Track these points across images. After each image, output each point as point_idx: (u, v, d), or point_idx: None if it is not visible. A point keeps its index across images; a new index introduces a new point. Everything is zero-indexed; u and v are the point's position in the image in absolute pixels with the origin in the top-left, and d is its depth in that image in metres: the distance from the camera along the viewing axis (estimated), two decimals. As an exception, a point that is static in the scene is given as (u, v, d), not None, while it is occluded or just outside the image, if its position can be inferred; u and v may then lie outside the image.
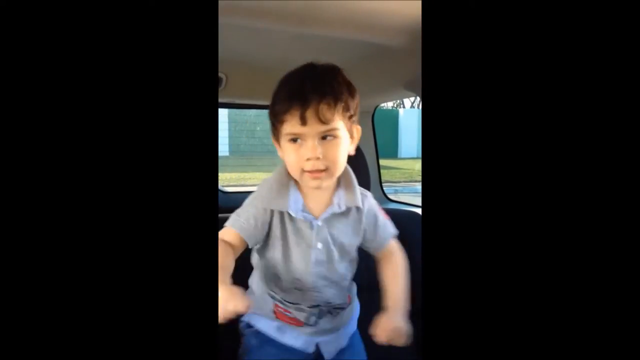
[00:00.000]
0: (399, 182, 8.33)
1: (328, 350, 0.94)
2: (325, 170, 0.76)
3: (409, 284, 0.87)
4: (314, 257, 0.85)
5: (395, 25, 0.92)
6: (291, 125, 0.74)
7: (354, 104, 0.78)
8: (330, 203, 0.85)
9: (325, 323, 0.93)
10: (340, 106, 0.75)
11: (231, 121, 9.85)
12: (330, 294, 0.89)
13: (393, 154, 11.93)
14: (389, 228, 0.92)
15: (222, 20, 0.86)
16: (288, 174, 0.84)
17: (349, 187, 0.86)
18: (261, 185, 0.88)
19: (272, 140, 0.84)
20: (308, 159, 0.75)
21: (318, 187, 0.80)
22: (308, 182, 0.79)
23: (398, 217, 1.31)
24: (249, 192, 0.91)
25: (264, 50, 1.14)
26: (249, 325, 0.97)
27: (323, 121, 0.73)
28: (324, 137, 0.75)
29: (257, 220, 0.84)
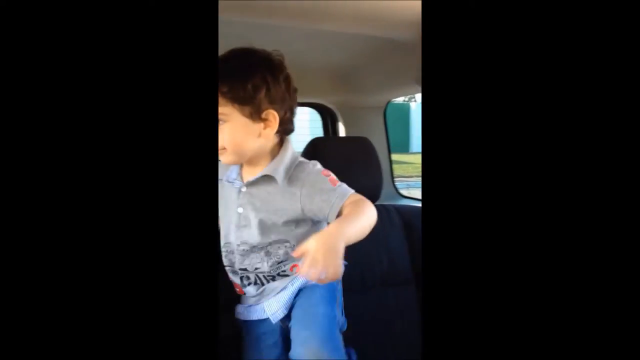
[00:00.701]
0: (411, 177, 8.28)
1: (272, 313, 0.91)
2: (224, 148, 0.84)
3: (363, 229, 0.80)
4: (235, 220, 0.90)
5: (406, 20, 0.91)
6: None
7: (241, 87, 0.80)
8: (257, 173, 0.90)
9: (259, 289, 0.93)
10: (226, 93, 0.79)
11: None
12: (256, 259, 0.91)
13: (405, 148, 11.86)
14: (341, 191, 0.86)
15: (234, 18, 0.86)
16: None
17: (275, 159, 0.89)
18: None
19: None
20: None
21: (224, 162, 0.88)
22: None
23: (411, 214, 1.31)
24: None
25: (274, 48, 1.13)
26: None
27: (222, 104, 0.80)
28: (220, 122, 0.82)
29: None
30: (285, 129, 0.89)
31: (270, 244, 0.90)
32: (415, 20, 0.90)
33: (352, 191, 0.86)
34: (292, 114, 0.89)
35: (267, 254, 0.91)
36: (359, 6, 0.85)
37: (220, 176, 0.93)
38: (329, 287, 0.92)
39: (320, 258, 0.68)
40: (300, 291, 0.92)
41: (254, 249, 0.91)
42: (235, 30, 0.96)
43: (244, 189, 0.90)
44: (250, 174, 0.91)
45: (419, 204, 1.55)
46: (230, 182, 0.92)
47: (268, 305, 0.93)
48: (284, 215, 0.88)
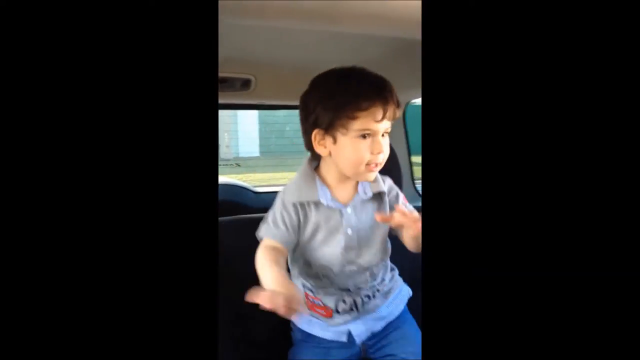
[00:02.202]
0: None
1: (358, 334, 0.95)
2: (380, 163, 0.84)
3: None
4: (344, 242, 0.89)
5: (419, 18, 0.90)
6: (367, 121, 0.80)
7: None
8: (355, 192, 0.91)
9: (355, 309, 0.95)
10: (401, 107, 0.85)
11: (261, 122, 9.95)
12: (360, 280, 0.93)
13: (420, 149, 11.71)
14: (408, 207, 0.94)
15: (249, 22, 0.86)
16: (312, 169, 0.91)
17: (375, 177, 0.90)
18: (285, 187, 0.93)
19: (314, 138, 0.86)
20: (378, 153, 0.82)
21: (372, 179, 0.87)
22: (366, 175, 0.85)
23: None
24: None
25: (292, 51, 1.13)
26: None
27: (390, 120, 0.82)
28: (384, 134, 0.83)
29: (286, 223, 0.88)
30: None
31: (376, 263, 0.94)
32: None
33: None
34: None
35: (372, 274, 0.95)
36: (375, 6, 0.84)
37: (311, 198, 0.89)
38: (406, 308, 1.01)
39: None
40: (390, 322, 0.97)
41: (360, 268, 0.92)
42: (253, 34, 0.96)
43: (349, 210, 0.90)
44: (347, 193, 0.91)
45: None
46: (328, 204, 0.89)
47: (354, 328, 0.95)
48: (382, 229, 0.92)
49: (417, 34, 1.00)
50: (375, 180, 0.90)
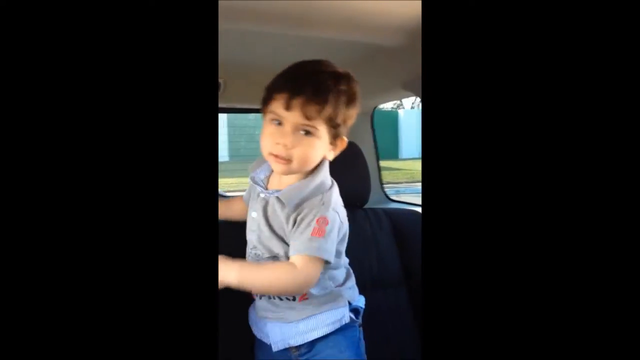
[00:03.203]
0: (401, 182, 8.33)
1: (274, 342, 0.92)
2: (290, 161, 0.80)
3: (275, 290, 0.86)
4: (250, 222, 0.93)
5: (393, 25, 0.93)
6: (276, 106, 0.79)
7: (344, 116, 0.81)
8: (281, 183, 0.89)
9: (269, 305, 0.92)
10: (326, 113, 0.78)
11: (230, 126, 9.84)
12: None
13: (394, 155, 11.94)
14: (303, 242, 0.82)
15: (220, 24, 0.86)
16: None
17: (300, 184, 0.86)
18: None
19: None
20: (277, 143, 0.79)
21: (278, 173, 0.86)
22: (272, 164, 0.84)
23: (399, 217, 1.32)
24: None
25: (262, 54, 1.14)
26: None
27: (306, 116, 0.77)
28: (303, 131, 0.79)
29: (249, 189, 0.98)
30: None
31: (275, 256, 0.89)
32: (401, 25, 0.91)
33: (315, 253, 0.81)
34: None
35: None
36: (345, 12, 0.86)
37: (249, 173, 0.93)
38: (352, 335, 0.94)
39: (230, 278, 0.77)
40: (323, 338, 0.91)
41: (262, 255, 0.90)
42: (223, 37, 0.96)
43: (262, 195, 0.90)
44: (278, 185, 0.89)
45: (408, 207, 1.56)
46: (255, 182, 0.92)
47: (272, 332, 0.92)
48: (282, 236, 0.88)
49: (383, 40, 1.03)
50: (297, 190, 0.84)
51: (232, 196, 2.01)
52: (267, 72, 0.93)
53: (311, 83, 0.78)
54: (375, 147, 1.68)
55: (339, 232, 0.87)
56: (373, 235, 1.19)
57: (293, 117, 0.78)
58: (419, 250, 1.08)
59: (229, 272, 0.78)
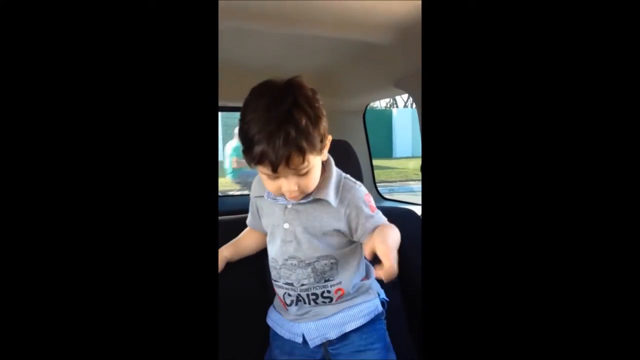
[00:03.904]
0: (395, 181, 8.35)
1: (311, 338, 0.96)
2: (301, 192, 0.83)
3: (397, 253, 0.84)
4: (282, 235, 0.92)
5: (385, 23, 0.93)
6: (264, 169, 0.78)
7: (323, 131, 0.79)
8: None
9: (304, 308, 0.96)
10: (311, 151, 0.77)
11: (223, 125, 9.82)
12: (302, 275, 0.93)
13: (388, 153, 11.96)
14: (375, 219, 0.91)
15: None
16: None
17: (324, 182, 0.88)
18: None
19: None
20: (285, 191, 0.81)
21: (298, 199, 0.86)
22: (290, 199, 0.86)
23: (394, 216, 1.32)
24: (243, 195, 0.92)
25: (254, 52, 1.14)
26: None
27: (295, 169, 0.77)
28: (300, 174, 0.80)
29: (252, 212, 1.02)
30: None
31: (317, 259, 0.92)
32: (393, 23, 0.91)
33: (385, 220, 0.91)
34: None
35: (314, 270, 0.93)
36: (337, 10, 0.86)
37: (259, 193, 0.95)
38: (381, 327, 0.99)
39: (393, 255, 0.74)
40: (356, 330, 0.95)
41: (301, 263, 0.92)
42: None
43: (289, 206, 0.91)
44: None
45: (401, 205, 1.56)
46: (274, 199, 0.91)
47: (307, 330, 0.96)
48: (330, 233, 0.91)
49: (375, 38, 1.03)
50: (325, 187, 0.88)
51: (224, 195, 2.00)
52: (259, 70, 0.93)
53: (282, 143, 0.73)
54: (368, 146, 1.68)
55: None
56: (366, 233, 1.19)
57: (284, 173, 0.78)
58: (413, 249, 1.08)
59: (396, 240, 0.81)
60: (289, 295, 0.96)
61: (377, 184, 1.79)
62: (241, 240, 1.06)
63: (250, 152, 0.76)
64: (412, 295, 1.17)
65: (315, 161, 0.81)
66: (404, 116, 12.75)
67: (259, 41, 1.06)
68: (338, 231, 0.91)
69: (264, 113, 0.74)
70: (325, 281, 0.94)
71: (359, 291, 0.98)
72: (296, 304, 0.96)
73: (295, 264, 0.92)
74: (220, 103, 1.48)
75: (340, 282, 0.95)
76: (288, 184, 0.79)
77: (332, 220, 0.90)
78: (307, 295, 0.94)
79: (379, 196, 1.77)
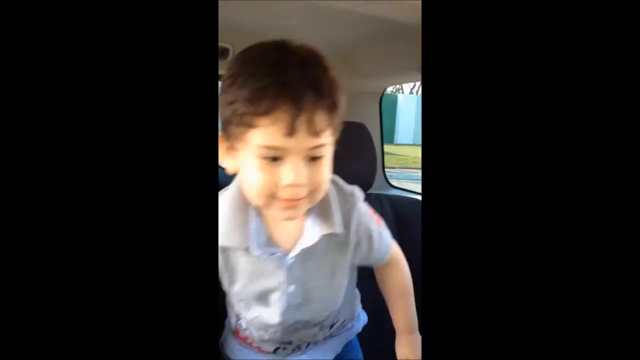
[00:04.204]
0: (394, 167, 8.33)
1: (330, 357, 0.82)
2: (307, 196, 0.57)
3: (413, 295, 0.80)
4: (286, 301, 0.67)
5: (412, 3, 0.86)
6: (270, 134, 0.52)
7: (343, 105, 0.58)
8: (302, 230, 0.66)
9: (298, 350, 0.79)
10: (337, 112, 0.56)
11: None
12: (308, 334, 0.75)
13: (389, 139, 11.90)
14: (385, 239, 0.74)
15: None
16: (246, 202, 0.63)
17: (324, 207, 0.65)
18: None
19: (220, 142, 0.60)
20: (289, 185, 0.55)
21: (291, 219, 0.61)
22: (278, 211, 0.58)
23: (402, 205, 1.28)
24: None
25: (273, 21, 1.07)
26: (222, 347, 0.85)
27: (316, 133, 0.53)
28: (311, 157, 0.56)
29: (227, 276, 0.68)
30: None
31: (326, 317, 0.74)
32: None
33: (390, 237, 0.77)
34: None
35: (322, 327, 0.76)
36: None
37: (238, 242, 0.64)
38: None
39: None
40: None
41: (307, 325, 0.73)
42: (233, 1, 0.90)
43: (292, 261, 0.65)
44: (291, 232, 0.66)
45: (408, 195, 1.52)
46: (269, 251, 0.65)
47: (322, 353, 0.80)
48: (340, 276, 0.70)
49: (401, 16, 0.97)
50: (328, 215, 0.65)
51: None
52: (277, 40, 0.87)
53: (309, 86, 0.52)
54: (381, 131, 1.62)
55: None
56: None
57: (299, 142, 0.53)
58: (418, 240, 1.05)
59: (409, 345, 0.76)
60: (284, 349, 0.76)
61: (384, 170, 1.74)
62: None
63: (246, 106, 0.52)
64: (417, 288, 1.14)
65: (328, 148, 0.59)
66: (409, 103, 12.66)
67: (278, 10, 0.99)
68: (345, 274, 0.71)
69: (277, 62, 0.53)
70: (331, 327, 0.79)
71: (350, 321, 0.86)
72: (292, 351, 0.78)
73: (299, 327, 0.72)
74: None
75: (345, 320, 0.82)
76: (295, 172, 0.54)
77: (340, 258, 0.69)
78: (307, 344, 0.78)
79: (386, 183, 1.72)
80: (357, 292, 0.86)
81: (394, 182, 1.73)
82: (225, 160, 0.61)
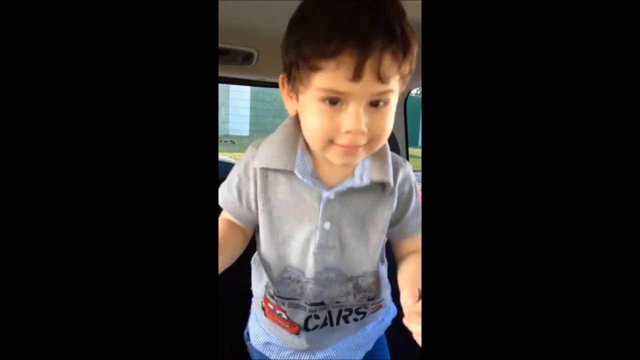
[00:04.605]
0: (418, 170, 8.20)
1: (343, 358, 0.75)
2: (366, 145, 0.57)
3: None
4: (319, 238, 0.65)
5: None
6: (334, 78, 0.51)
7: (415, 52, 0.55)
8: (350, 172, 0.64)
9: (328, 332, 0.72)
10: (409, 59, 0.53)
11: (257, 100, 9.77)
12: (340, 292, 0.69)
13: (415, 142, 11.74)
14: (419, 215, 0.70)
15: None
16: (296, 133, 0.64)
17: (379, 155, 0.64)
18: (254, 144, 0.68)
19: (281, 85, 0.61)
20: (347, 132, 0.54)
21: (347, 166, 0.61)
22: (335, 157, 0.57)
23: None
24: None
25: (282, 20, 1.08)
26: (248, 336, 0.83)
27: (382, 78, 0.51)
28: (374, 103, 0.54)
29: (240, 190, 0.67)
30: None
31: (363, 274, 0.69)
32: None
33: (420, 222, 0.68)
34: None
35: (356, 287, 0.69)
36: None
37: (283, 165, 0.63)
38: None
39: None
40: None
41: (340, 277, 0.68)
42: (258, 7, 0.91)
43: (331, 196, 0.64)
44: (337, 171, 0.65)
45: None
46: (305, 178, 0.63)
47: (337, 352, 0.74)
48: (378, 231, 0.67)
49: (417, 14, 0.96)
50: (381, 163, 0.64)
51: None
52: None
53: (378, 28, 0.50)
54: (406, 134, 1.62)
55: None
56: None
57: (363, 88, 0.52)
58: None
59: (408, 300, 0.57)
60: (316, 317, 0.70)
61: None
62: (224, 245, 0.65)
63: (310, 47, 0.50)
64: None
65: (395, 95, 0.56)
66: (414, 104, 12.49)
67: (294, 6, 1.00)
68: (387, 226, 0.68)
69: (349, 3, 0.51)
70: (368, 300, 0.72)
71: (384, 303, 0.79)
72: (314, 328, 0.71)
73: (332, 278, 0.68)
74: (259, 77, 1.44)
75: (382, 299, 0.76)
76: (355, 119, 0.52)
77: (382, 210, 0.66)
78: (339, 312, 0.71)
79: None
80: (388, 282, 0.80)
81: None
82: (286, 103, 0.61)
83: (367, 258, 0.69)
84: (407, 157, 1.68)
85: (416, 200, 0.71)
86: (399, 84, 0.56)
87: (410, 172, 0.70)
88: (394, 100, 0.57)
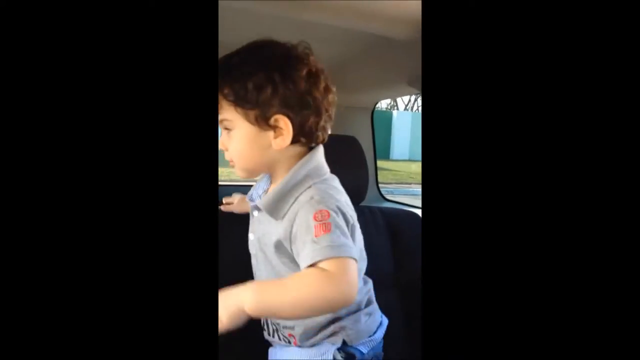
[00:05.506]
0: (391, 183, 8.35)
1: None
2: (236, 163, 0.73)
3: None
4: (250, 248, 0.81)
5: (401, 17, 0.88)
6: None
7: (248, 86, 0.66)
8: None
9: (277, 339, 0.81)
10: (227, 95, 0.67)
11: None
12: None
13: (385, 155, 11.95)
14: (317, 249, 0.62)
15: (224, 4, 0.81)
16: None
17: (278, 186, 0.70)
18: None
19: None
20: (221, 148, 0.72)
21: (239, 175, 0.75)
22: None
23: (395, 216, 1.28)
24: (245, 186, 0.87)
25: (260, 37, 1.09)
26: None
27: (220, 108, 0.68)
28: (225, 128, 0.71)
29: None
30: (310, 138, 0.71)
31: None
32: (410, 17, 0.87)
33: (335, 254, 0.61)
34: (321, 119, 0.71)
35: None
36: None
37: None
38: None
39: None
40: None
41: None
42: (227, 16, 0.91)
43: (255, 213, 0.77)
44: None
45: (401, 207, 1.53)
46: (251, 199, 0.80)
47: None
48: (281, 249, 0.71)
49: (391, 31, 0.99)
50: (274, 187, 0.74)
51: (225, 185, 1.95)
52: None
53: (220, 71, 0.65)
54: (374, 145, 1.64)
55: (347, 225, 0.67)
56: (368, 234, 1.15)
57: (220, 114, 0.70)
58: (413, 251, 1.03)
59: (242, 296, 0.59)
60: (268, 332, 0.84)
61: (378, 184, 1.75)
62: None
63: None
64: (412, 300, 1.13)
65: (239, 123, 0.68)
66: (404, 119, 12.76)
67: (267, 25, 1.01)
68: (290, 256, 0.70)
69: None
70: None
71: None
72: (267, 326, 0.83)
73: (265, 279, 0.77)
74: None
75: (293, 328, 0.76)
76: (220, 140, 0.72)
77: (280, 230, 0.70)
78: (277, 326, 0.80)
79: (380, 197, 1.72)
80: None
81: (389, 197, 1.74)
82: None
83: (272, 270, 0.75)
84: (376, 168, 1.70)
85: (311, 234, 0.65)
86: (238, 113, 0.68)
87: (305, 206, 0.68)
88: (238, 125, 0.69)
